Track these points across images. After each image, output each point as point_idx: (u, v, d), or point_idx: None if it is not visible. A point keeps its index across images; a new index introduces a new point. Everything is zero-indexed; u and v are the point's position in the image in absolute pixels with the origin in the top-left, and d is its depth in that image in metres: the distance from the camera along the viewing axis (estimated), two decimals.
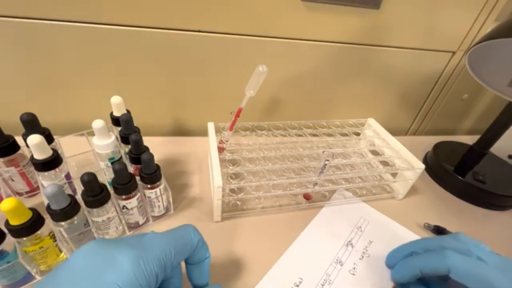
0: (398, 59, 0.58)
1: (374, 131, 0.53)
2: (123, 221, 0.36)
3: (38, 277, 0.31)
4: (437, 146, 0.58)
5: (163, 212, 0.39)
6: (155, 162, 0.35)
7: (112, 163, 0.35)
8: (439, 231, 0.42)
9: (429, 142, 0.60)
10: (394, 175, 0.48)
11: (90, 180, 0.29)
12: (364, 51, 0.55)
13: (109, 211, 0.32)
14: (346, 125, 0.53)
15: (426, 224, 0.42)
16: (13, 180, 0.37)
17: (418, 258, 0.31)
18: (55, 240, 0.30)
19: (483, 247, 0.30)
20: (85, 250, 0.20)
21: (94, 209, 0.31)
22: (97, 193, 0.30)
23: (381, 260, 0.37)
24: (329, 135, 0.50)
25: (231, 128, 0.43)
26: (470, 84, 0.64)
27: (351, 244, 0.39)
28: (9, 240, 0.28)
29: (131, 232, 0.37)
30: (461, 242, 0.30)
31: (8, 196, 0.37)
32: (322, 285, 0.33)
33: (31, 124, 0.35)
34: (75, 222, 0.30)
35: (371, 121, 0.55)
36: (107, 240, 0.22)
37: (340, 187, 0.45)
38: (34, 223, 0.27)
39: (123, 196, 0.33)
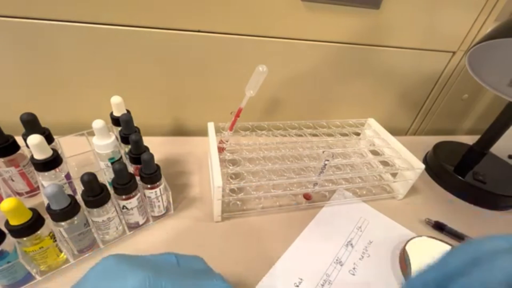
0: (398, 59, 0.58)
1: (374, 131, 0.53)
2: (123, 221, 0.36)
3: (38, 277, 0.31)
4: (437, 146, 0.58)
5: (163, 212, 0.39)
6: (155, 162, 0.35)
7: (112, 163, 0.35)
8: (439, 227, 0.42)
9: (429, 142, 0.60)
10: (394, 175, 0.48)
11: (90, 180, 0.29)
12: (364, 51, 0.55)
13: (109, 211, 0.32)
14: (346, 125, 0.53)
15: (427, 220, 0.43)
16: (13, 180, 0.37)
17: None
18: (55, 240, 0.30)
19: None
20: (99, 268, 0.20)
21: (94, 209, 0.31)
22: (97, 193, 0.30)
23: (381, 260, 0.37)
24: (329, 135, 0.50)
25: (231, 128, 0.43)
26: (470, 84, 0.64)
27: (351, 244, 0.39)
28: (9, 240, 0.28)
29: (131, 232, 0.37)
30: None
31: (8, 196, 0.37)
32: (322, 285, 0.33)
33: (31, 124, 0.35)
34: (75, 222, 0.30)
35: (371, 121, 0.55)
36: (124, 257, 0.22)
37: (340, 187, 0.45)
38: (34, 223, 0.28)
39: (123, 196, 0.33)
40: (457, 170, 0.51)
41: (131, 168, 0.38)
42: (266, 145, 0.45)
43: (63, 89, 0.50)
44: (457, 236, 0.41)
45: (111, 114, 0.40)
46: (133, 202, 0.34)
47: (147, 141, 0.38)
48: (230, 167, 0.40)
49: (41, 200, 0.38)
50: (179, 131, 0.60)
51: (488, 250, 0.19)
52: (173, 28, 0.46)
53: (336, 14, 0.49)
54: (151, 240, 0.36)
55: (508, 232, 0.45)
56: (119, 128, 0.39)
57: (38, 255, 0.29)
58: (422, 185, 0.51)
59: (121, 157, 0.39)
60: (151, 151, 0.36)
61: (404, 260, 0.36)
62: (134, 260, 0.22)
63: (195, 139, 0.55)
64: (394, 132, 0.52)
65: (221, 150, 0.43)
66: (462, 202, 0.49)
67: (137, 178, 0.35)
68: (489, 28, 0.55)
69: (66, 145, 0.40)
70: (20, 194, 0.39)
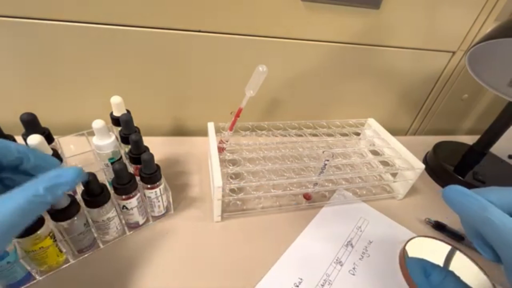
0: (398, 59, 0.58)
1: (374, 131, 0.53)
2: (123, 221, 0.36)
3: (38, 277, 0.31)
4: (437, 146, 0.58)
5: (163, 212, 0.39)
6: (155, 162, 0.35)
7: (112, 163, 0.35)
8: (439, 227, 0.42)
9: (429, 142, 0.60)
10: (394, 175, 0.48)
11: (90, 180, 0.29)
12: (364, 51, 0.55)
13: (109, 211, 0.32)
14: (346, 125, 0.53)
15: (427, 220, 0.43)
16: None
17: None
18: (55, 240, 0.30)
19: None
20: None
21: (94, 209, 0.31)
22: (97, 193, 0.30)
23: (381, 260, 0.37)
24: (329, 135, 0.50)
25: (231, 128, 0.43)
26: (470, 84, 0.64)
27: (351, 244, 0.39)
28: None
29: (131, 232, 0.37)
30: None
31: None
32: (322, 285, 0.33)
33: (31, 124, 0.35)
34: (75, 222, 0.30)
35: (371, 121, 0.55)
36: None
37: (340, 187, 0.45)
38: (34, 223, 0.27)
39: (123, 196, 0.33)
40: (457, 170, 0.51)
41: (131, 168, 0.38)
42: (266, 145, 0.45)
43: (63, 89, 0.50)
44: (457, 236, 0.41)
45: (111, 114, 0.40)
46: (133, 202, 0.34)
47: (147, 141, 0.38)
48: (230, 167, 0.40)
49: None
50: (179, 131, 0.60)
51: None
52: (173, 28, 0.46)
53: (336, 14, 0.49)
54: (151, 240, 0.36)
55: None
56: (119, 128, 0.39)
57: (38, 255, 0.29)
58: (422, 185, 0.51)
59: (121, 157, 0.39)
60: (151, 151, 0.36)
61: (404, 260, 0.36)
62: None
63: (195, 139, 0.55)
64: (394, 132, 0.52)
65: (221, 150, 0.43)
66: None
67: (137, 178, 0.35)
68: (489, 28, 0.55)
69: (66, 145, 0.40)
70: None
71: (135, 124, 0.39)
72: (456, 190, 0.25)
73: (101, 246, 0.35)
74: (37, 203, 0.19)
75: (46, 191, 0.19)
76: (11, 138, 0.36)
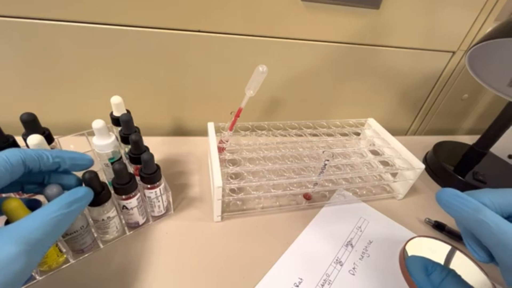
0: (398, 59, 0.58)
1: (374, 131, 0.53)
2: (123, 221, 0.36)
3: (38, 277, 0.31)
4: (437, 146, 0.58)
5: (163, 212, 0.39)
6: (155, 162, 0.35)
7: (112, 163, 0.35)
8: (439, 227, 0.42)
9: (429, 142, 0.60)
10: (394, 175, 0.48)
11: (90, 178, 0.29)
12: (364, 51, 0.55)
13: (109, 210, 0.32)
14: (346, 125, 0.53)
15: (427, 220, 0.43)
16: None
17: None
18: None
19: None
20: None
21: (95, 208, 0.31)
22: (98, 192, 0.30)
23: (381, 260, 0.37)
24: (329, 135, 0.50)
25: (231, 128, 0.43)
26: (470, 84, 0.64)
27: (351, 244, 0.39)
28: None
29: (131, 232, 0.37)
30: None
31: (8, 196, 0.37)
32: (322, 285, 0.33)
33: (31, 124, 0.35)
34: (75, 222, 0.30)
35: (371, 121, 0.55)
36: None
37: (340, 187, 0.45)
38: None
39: (123, 196, 0.33)
40: (457, 170, 0.51)
41: (131, 168, 0.38)
42: (266, 145, 0.45)
43: (63, 89, 0.50)
44: (457, 236, 0.41)
45: (111, 114, 0.40)
46: (133, 202, 0.34)
47: (147, 141, 0.38)
48: (230, 167, 0.40)
49: (41, 200, 0.38)
50: (179, 131, 0.60)
51: None
52: (173, 28, 0.46)
53: (336, 14, 0.49)
54: (151, 240, 0.36)
55: None
56: (119, 128, 0.39)
57: None
58: (422, 185, 0.51)
59: (121, 157, 0.39)
60: (151, 151, 0.36)
61: (404, 260, 0.36)
62: None
63: (195, 139, 0.55)
64: (394, 132, 0.52)
65: (221, 150, 0.43)
66: None
67: (137, 178, 0.35)
68: (489, 28, 0.55)
69: (66, 145, 0.40)
70: (19, 194, 0.39)
71: (135, 124, 0.39)
72: (450, 192, 0.26)
73: (101, 246, 0.35)
74: (65, 213, 0.23)
75: (69, 204, 0.24)
76: (11, 138, 0.36)
